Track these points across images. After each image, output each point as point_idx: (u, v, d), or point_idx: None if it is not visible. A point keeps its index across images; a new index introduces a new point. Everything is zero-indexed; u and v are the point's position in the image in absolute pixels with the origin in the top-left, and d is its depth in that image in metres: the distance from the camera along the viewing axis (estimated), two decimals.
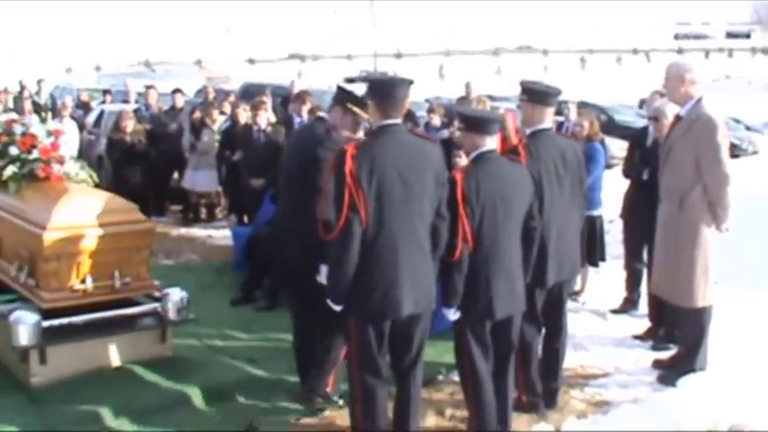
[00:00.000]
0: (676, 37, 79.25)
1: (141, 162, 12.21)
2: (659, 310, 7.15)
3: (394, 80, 4.79)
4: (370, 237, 4.49)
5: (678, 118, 6.20)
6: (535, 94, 5.56)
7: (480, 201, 4.80)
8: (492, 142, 5.01)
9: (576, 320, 7.25)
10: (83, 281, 5.89)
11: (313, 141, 5.46)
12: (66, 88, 25.04)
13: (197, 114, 12.66)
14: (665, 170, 6.23)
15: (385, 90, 4.71)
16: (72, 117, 13.97)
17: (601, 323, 7.79)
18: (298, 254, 5.40)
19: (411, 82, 4.84)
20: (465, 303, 4.89)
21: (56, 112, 13.36)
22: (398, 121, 4.71)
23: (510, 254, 5.00)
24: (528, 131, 5.63)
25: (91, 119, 15.77)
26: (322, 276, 4.99)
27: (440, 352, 6.19)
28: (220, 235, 11.61)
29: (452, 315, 4.91)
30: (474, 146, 4.99)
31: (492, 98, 16.89)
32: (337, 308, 4.64)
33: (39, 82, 18.05)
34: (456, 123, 9.75)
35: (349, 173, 4.43)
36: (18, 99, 15.87)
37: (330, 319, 4.95)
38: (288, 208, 5.63)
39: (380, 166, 4.48)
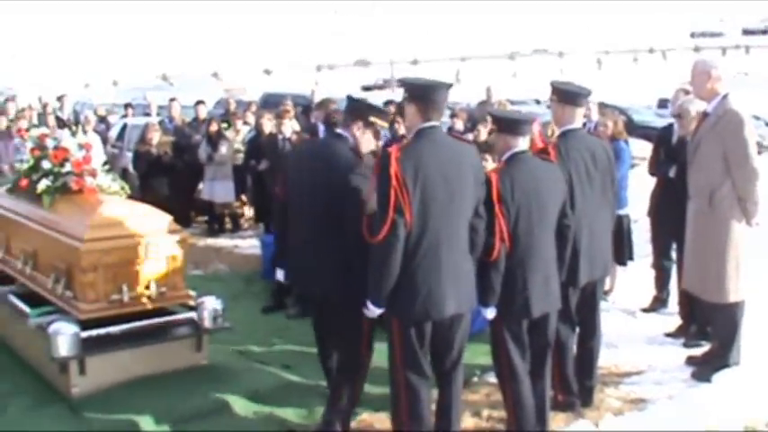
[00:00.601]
0: (692, 35, 78.99)
1: (168, 174, 12.33)
2: (690, 306, 7.16)
3: (435, 83, 4.80)
4: (414, 238, 4.52)
5: (705, 114, 6.22)
6: (565, 95, 5.60)
7: (516, 200, 4.84)
8: (524, 143, 5.05)
9: (607, 319, 7.22)
10: (119, 291, 5.95)
11: (342, 166, 5.13)
12: (85, 103, 25.31)
13: (213, 126, 12.74)
14: (693, 167, 6.25)
15: (426, 93, 4.74)
16: (95, 131, 14.09)
17: (631, 322, 7.79)
18: (329, 283, 5.17)
19: (450, 85, 4.88)
20: (502, 302, 4.93)
21: (79, 126, 13.47)
22: (438, 123, 4.75)
23: (545, 252, 5.04)
24: (558, 131, 5.68)
25: (114, 132, 15.94)
26: (371, 311, 4.75)
27: (474, 354, 6.21)
28: (247, 244, 11.69)
29: (490, 314, 4.94)
30: (507, 146, 5.03)
31: (510, 102, 16.93)
32: (378, 311, 4.66)
33: (60, 98, 18.19)
34: (485, 126, 9.81)
35: (394, 175, 4.46)
36: (42, 115, 16.01)
37: (347, 358, 5.10)
38: (310, 236, 5.23)
39: (424, 168, 4.52)
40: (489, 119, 7.47)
